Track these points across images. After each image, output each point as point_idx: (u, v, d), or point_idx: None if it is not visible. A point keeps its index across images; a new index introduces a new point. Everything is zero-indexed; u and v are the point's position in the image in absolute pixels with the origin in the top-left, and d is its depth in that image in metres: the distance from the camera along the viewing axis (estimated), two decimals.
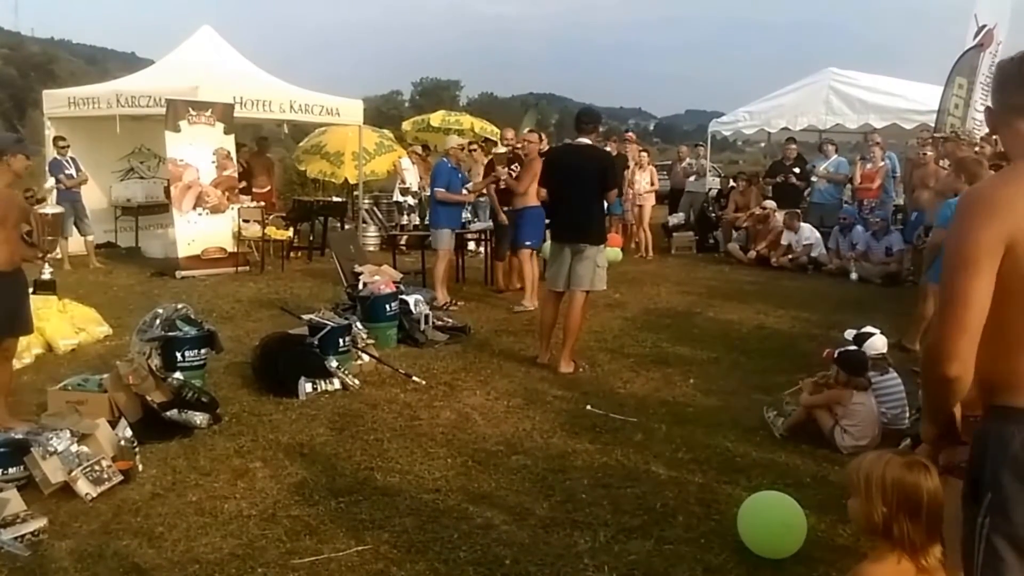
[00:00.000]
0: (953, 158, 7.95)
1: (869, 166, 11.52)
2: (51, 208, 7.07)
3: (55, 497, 3.78)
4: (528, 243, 8.29)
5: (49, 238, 6.82)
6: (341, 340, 5.79)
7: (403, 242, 11.72)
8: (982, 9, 10.94)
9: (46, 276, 7.74)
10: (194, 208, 10.13)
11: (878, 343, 4.95)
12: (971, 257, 1.75)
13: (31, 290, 5.21)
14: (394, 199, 12.86)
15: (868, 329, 5.05)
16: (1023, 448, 1.75)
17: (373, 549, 3.35)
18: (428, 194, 9.51)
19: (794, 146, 12.61)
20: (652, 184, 12.84)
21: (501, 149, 10.71)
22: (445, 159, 9.08)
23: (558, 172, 6.23)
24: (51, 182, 7.36)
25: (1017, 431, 1.76)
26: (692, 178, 14.05)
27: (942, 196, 5.70)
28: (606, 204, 6.37)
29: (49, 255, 6.59)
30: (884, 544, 1.87)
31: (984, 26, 10.70)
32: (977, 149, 8.46)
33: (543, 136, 11.38)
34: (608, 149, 10.61)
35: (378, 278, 6.97)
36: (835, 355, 4.71)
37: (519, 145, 9.55)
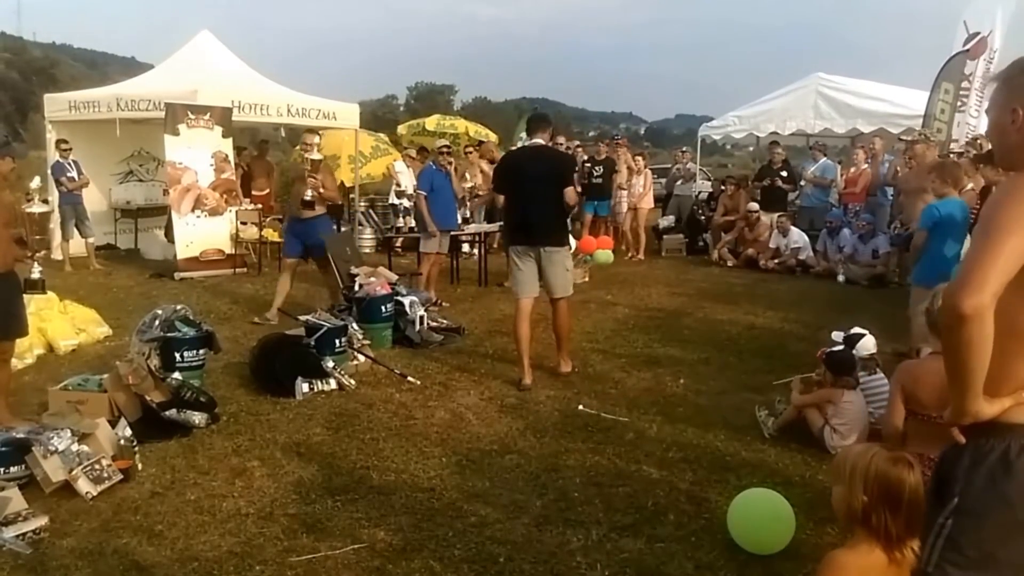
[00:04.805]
0: (923, 160, 8.06)
1: (853, 169, 11.63)
2: (38, 207, 7.05)
3: (56, 496, 3.83)
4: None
5: (37, 237, 6.81)
6: (337, 341, 5.85)
7: (398, 244, 11.80)
8: (972, 15, 10.96)
9: (35, 275, 7.76)
10: (192, 210, 10.20)
11: (868, 343, 5.02)
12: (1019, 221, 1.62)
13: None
14: (389, 202, 12.93)
15: (857, 330, 5.10)
16: (999, 462, 1.74)
17: (369, 547, 3.40)
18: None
19: (779, 150, 12.69)
20: (646, 188, 12.94)
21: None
22: (431, 162, 9.20)
23: (512, 176, 5.99)
24: (36, 181, 7.39)
25: (996, 444, 1.75)
26: (679, 182, 14.14)
27: (914, 195, 5.75)
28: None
29: (38, 254, 6.61)
30: (861, 532, 1.94)
31: (977, 33, 10.70)
32: (959, 150, 8.61)
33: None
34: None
35: (374, 280, 7.02)
36: (824, 355, 4.78)
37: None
